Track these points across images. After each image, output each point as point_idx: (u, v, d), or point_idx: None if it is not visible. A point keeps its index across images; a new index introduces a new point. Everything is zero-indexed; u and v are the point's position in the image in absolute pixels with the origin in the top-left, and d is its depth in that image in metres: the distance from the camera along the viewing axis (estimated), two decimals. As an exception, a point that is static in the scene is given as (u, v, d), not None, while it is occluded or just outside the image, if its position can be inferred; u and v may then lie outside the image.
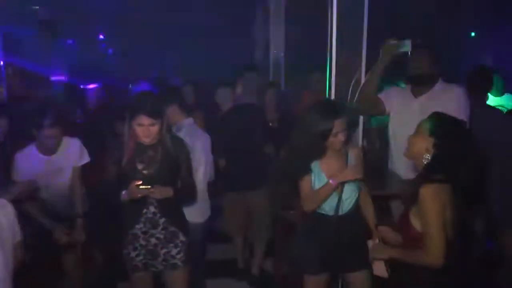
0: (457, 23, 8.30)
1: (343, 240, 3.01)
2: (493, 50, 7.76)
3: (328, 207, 3.07)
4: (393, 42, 3.50)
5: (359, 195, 3.10)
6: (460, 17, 8.41)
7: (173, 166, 3.19)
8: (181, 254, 3.19)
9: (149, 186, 2.99)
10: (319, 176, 3.05)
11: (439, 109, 3.21)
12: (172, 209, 3.20)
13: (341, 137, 2.94)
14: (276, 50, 7.20)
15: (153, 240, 3.17)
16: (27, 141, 3.76)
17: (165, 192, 3.08)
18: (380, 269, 2.85)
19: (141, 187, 2.99)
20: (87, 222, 3.94)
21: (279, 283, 4.52)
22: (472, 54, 8.06)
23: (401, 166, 3.51)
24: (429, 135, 2.48)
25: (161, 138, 3.14)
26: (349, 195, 3.05)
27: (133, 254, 3.21)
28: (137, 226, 3.18)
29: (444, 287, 2.52)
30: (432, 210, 2.38)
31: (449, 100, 3.37)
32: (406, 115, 3.46)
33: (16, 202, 3.34)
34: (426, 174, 2.47)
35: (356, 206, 3.11)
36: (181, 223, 3.24)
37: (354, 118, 3.68)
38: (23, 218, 3.86)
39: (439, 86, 3.51)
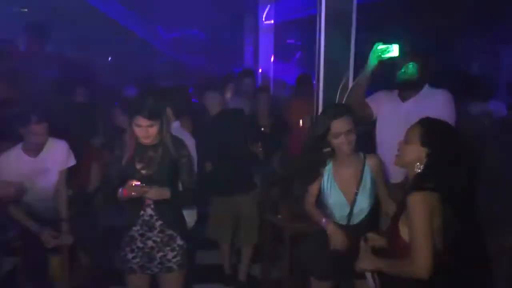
0: (444, 29, 8.35)
1: (352, 249, 2.88)
2: (478, 57, 7.81)
3: (339, 217, 3.03)
4: (380, 46, 3.51)
5: (373, 206, 3.03)
6: (447, 23, 8.47)
7: (173, 167, 3.17)
8: (178, 258, 3.17)
9: (143, 185, 2.99)
10: (331, 182, 3.03)
11: (427, 113, 3.24)
12: (169, 212, 3.18)
13: (344, 138, 2.90)
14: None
15: (149, 243, 3.16)
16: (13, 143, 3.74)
17: (161, 193, 3.07)
18: (368, 281, 2.74)
19: (135, 185, 2.99)
20: (74, 225, 3.90)
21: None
22: (457, 61, 8.13)
23: (388, 170, 3.52)
24: (421, 144, 2.43)
25: (162, 138, 3.13)
26: (362, 207, 3.00)
27: (130, 256, 3.19)
28: (134, 228, 3.17)
29: None
30: (419, 217, 2.29)
31: (436, 104, 3.38)
32: (393, 119, 3.47)
33: (1, 205, 3.33)
34: (418, 183, 2.41)
35: (370, 216, 3.04)
36: (179, 226, 3.21)
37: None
38: (9, 221, 3.86)
39: (426, 90, 3.53)
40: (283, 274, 4.23)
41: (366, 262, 2.64)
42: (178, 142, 3.20)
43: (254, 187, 4.58)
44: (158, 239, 3.15)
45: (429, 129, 2.45)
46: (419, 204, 2.31)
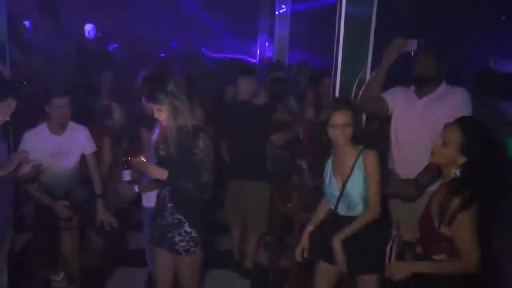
0: (460, 25, 8.32)
1: (347, 240, 3.01)
2: (494, 53, 7.78)
3: (333, 205, 3.16)
4: (398, 41, 3.52)
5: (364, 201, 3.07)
6: (464, 20, 8.43)
7: (189, 154, 3.13)
8: (184, 243, 3.20)
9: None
10: (330, 172, 3.16)
11: (443, 112, 3.26)
12: (181, 197, 3.19)
13: (338, 130, 2.98)
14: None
15: (164, 221, 3.24)
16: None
17: (158, 172, 3.12)
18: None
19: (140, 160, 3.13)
20: (87, 205, 3.99)
21: (273, 276, 4.55)
22: (474, 57, 8.10)
23: (402, 166, 3.54)
24: (460, 151, 2.44)
25: (183, 123, 3.13)
26: (352, 197, 3.06)
27: (154, 226, 3.33)
28: (156, 204, 3.33)
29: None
30: (470, 233, 2.38)
31: (453, 102, 3.38)
32: (409, 115, 3.49)
33: (19, 183, 3.40)
34: (455, 188, 2.43)
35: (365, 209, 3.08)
36: (188, 213, 3.21)
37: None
38: (22, 197, 3.95)
39: (443, 88, 3.51)
40: (291, 263, 4.28)
41: (402, 270, 2.61)
42: (196, 132, 3.13)
43: (266, 176, 4.61)
44: (170, 220, 3.21)
45: (470, 137, 2.43)
46: (470, 223, 2.38)
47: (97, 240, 4.25)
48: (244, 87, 4.59)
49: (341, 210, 3.12)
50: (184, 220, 3.20)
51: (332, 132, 3.02)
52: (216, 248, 5.11)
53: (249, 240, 4.77)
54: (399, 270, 2.59)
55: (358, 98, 3.63)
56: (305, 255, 3.26)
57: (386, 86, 3.64)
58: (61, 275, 4.16)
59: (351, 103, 3.19)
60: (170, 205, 3.21)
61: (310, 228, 3.28)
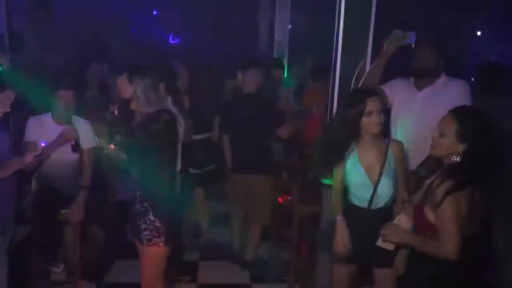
0: (462, 19, 8.29)
1: (373, 234, 2.85)
2: (496, 47, 7.74)
3: (360, 199, 3.03)
4: (397, 33, 3.51)
5: (394, 193, 3.02)
6: (465, 14, 8.40)
7: (152, 139, 3.10)
8: (147, 232, 3.14)
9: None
10: (355, 166, 3.01)
11: (442, 103, 3.24)
12: (147, 186, 3.15)
13: (375, 118, 2.89)
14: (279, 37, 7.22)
15: (134, 210, 3.22)
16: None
17: (117, 155, 3.25)
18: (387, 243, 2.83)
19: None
20: (87, 198, 4.00)
21: (273, 268, 4.57)
22: (476, 51, 8.07)
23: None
24: (457, 139, 2.43)
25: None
26: (384, 189, 2.98)
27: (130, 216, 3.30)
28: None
29: (461, 283, 2.51)
30: (451, 219, 2.37)
31: (453, 94, 3.38)
32: (409, 107, 3.48)
33: (22, 173, 3.41)
34: (452, 174, 2.43)
35: (391, 204, 3.01)
36: (154, 202, 3.15)
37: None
38: (22, 190, 3.97)
39: (442, 79, 3.51)
40: (290, 256, 4.30)
41: (395, 235, 2.69)
42: (158, 117, 3.09)
43: (270, 169, 4.60)
44: (138, 208, 3.19)
45: (465, 124, 2.43)
46: (452, 207, 2.36)
47: (97, 233, 4.26)
48: (250, 80, 4.56)
49: (374, 205, 3.00)
50: (149, 208, 3.15)
51: (368, 120, 2.90)
52: (216, 240, 5.13)
53: (251, 233, 4.77)
54: (394, 235, 2.70)
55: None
56: (347, 247, 3.04)
57: (385, 78, 3.63)
58: (61, 267, 4.17)
59: (379, 90, 3.09)
60: (138, 193, 3.19)
61: (341, 219, 3.08)
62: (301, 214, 4.09)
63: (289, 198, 4.19)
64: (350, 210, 3.09)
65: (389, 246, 2.83)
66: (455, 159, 2.46)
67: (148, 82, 3.10)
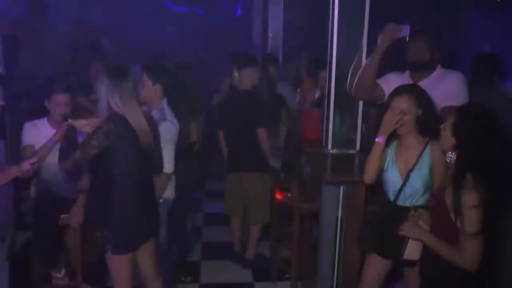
0: (456, 9, 8.28)
1: (395, 230, 2.82)
2: (491, 37, 7.74)
3: (392, 193, 3.05)
4: (392, 27, 3.50)
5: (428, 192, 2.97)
6: (460, 4, 8.40)
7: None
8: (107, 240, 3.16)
9: None
10: (392, 160, 3.05)
11: (439, 96, 3.25)
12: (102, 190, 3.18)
13: (402, 118, 2.87)
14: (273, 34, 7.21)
15: None
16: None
17: None
18: (412, 252, 2.80)
19: None
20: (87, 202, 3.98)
21: (274, 267, 4.57)
22: (470, 41, 8.07)
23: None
24: (452, 135, 2.45)
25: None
26: (414, 187, 2.96)
27: None
28: None
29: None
30: (476, 216, 2.35)
31: (449, 86, 3.39)
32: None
33: (20, 179, 3.40)
34: (456, 179, 2.43)
35: (423, 205, 2.94)
36: (108, 209, 3.12)
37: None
38: (23, 195, 3.95)
39: (438, 72, 3.51)
40: (292, 253, 4.29)
41: (412, 230, 2.70)
42: (108, 123, 3.00)
43: (266, 168, 4.57)
44: None
45: (459, 119, 2.44)
46: (474, 201, 2.34)
47: (99, 236, 4.24)
48: (247, 78, 4.55)
49: (401, 201, 3.01)
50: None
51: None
52: (216, 240, 5.13)
53: (251, 232, 4.77)
54: (412, 230, 2.69)
55: (354, 85, 3.62)
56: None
57: (381, 72, 3.63)
58: (63, 272, 4.15)
59: (416, 89, 3.03)
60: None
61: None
62: (301, 211, 4.07)
63: (288, 195, 4.17)
64: (382, 202, 3.16)
65: (415, 256, 2.82)
66: (451, 157, 2.47)
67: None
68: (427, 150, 2.94)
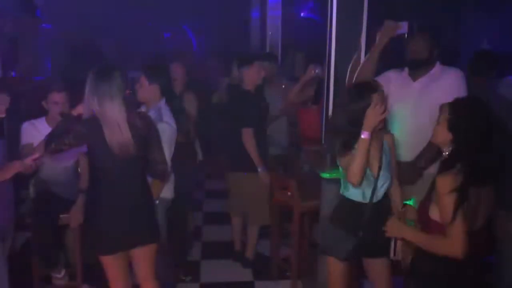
0: (455, 7, 8.28)
1: (372, 227, 2.84)
2: (489, 33, 7.74)
3: (360, 194, 2.94)
4: (390, 24, 3.50)
5: (391, 182, 2.99)
6: (459, 3, 8.40)
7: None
8: None
9: None
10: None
11: (438, 93, 3.25)
12: None
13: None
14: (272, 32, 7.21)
15: None
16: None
17: None
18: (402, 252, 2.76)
19: None
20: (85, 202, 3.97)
21: (274, 266, 4.56)
22: (468, 38, 8.07)
23: (399, 149, 3.53)
24: (447, 128, 2.43)
25: None
26: (383, 182, 2.94)
27: None
28: None
29: (466, 279, 2.47)
30: (450, 199, 2.29)
31: (448, 82, 3.38)
32: (404, 98, 3.46)
33: (19, 179, 3.40)
34: (444, 166, 2.43)
35: (387, 195, 3.01)
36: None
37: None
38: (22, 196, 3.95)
39: (437, 69, 3.50)
40: (291, 252, 4.29)
41: (395, 229, 2.64)
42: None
43: (266, 167, 4.53)
44: None
45: (455, 113, 2.43)
46: (448, 187, 2.30)
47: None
48: (249, 77, 4.54)
49: (375, 198, 2.94)
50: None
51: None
52: (216, 239, 5.12)
53: (250, 231, 4.76)
54: (396, 229, 2.64)
55: (353, 82, 3.61)
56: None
57: (380, 69, 3.62)
58: (63, 272, 4.15)
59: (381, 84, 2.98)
60: None
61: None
62: (300, 209, 4.07)
63: (288, 193, 4.16)
64: (350, 208, 3.00)
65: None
66: (446, 150, 2.46)
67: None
68: (385, 142, 2.97)
